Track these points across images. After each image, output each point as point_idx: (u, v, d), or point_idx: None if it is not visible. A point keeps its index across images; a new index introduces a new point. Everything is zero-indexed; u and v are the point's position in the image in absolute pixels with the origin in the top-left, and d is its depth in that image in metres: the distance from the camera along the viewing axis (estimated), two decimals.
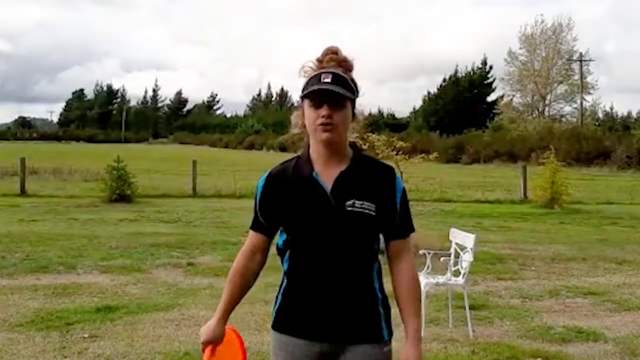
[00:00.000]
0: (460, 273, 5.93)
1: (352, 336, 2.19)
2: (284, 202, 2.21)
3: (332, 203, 2.15)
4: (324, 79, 2.14)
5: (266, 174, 2.30)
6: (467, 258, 5.83)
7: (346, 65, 2.22)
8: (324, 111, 2.13)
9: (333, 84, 2.12)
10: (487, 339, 5.58)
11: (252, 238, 2.34)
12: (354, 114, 2.23)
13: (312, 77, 2.18)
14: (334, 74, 2.15)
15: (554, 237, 11.95)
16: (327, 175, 2.19)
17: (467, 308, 5.77)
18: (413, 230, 2.29)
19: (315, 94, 2.14)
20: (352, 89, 2.19)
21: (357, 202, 2.14)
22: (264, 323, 5.76)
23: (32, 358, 4.84)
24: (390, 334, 2.28)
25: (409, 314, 2.22)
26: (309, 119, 2.18)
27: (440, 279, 5.88)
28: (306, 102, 2.19)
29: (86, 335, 5.39)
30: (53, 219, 13.15)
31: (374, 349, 2.21)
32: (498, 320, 6.21)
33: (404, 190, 2.25)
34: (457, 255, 6.04)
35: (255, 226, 2.33)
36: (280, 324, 2.26)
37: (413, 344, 2.19)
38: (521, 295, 7.25)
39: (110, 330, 5.58)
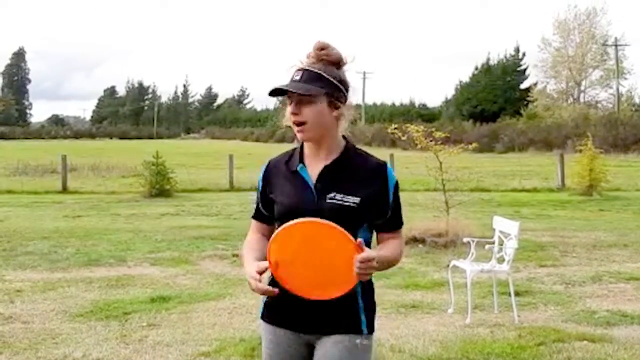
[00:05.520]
0: (503, 260, 6.02)
1: (328, 327, 2.22)
2: (276, 192, 2.30)
3: (314, 196, 2.21)
4: (294, 76, 2.21)
5: (266, 163, 2.38)
6: (511, 245, 5.92)
7: (328, 60, 2.23)
8: (291, 108, 2.21)
9: (300, 81, 2.18)
10: (532, 324, 5.68)
11: (254, 226, 2.43)
12: (337, 106, 2.23)
13: (292, 74, 2.25)
14: (305, 70, 2.20)
15: (594, 224, 11.93)
16: (313, 168, 2.26)
17: (512, 294, 5.88)
18: (402, 225, 2.33)
19: (285, 92, 2.22)
20: (327, 84, 2.20)
21: (338, 195, 2.18)
22: None
23: (96, 346, 5.08)
24: (371, 329, 2.27)
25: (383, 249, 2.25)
26: (287, 115, 2.26)
27: (485, 266, 5.99)
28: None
29: (144, 324, 5.63)
30: (97, 215, 13.51)
31: (345, 338, 2.22)
32: (542, 305, 6.30)
33: (396, 185, 2.27)
34: (500, 243, 6.13)
35: (257, 215, 2.42)
36: (267, 316, 2.33)
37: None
38: (564, 281, 7.31)
39: (167, 319, 5.81)
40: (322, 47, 2.24)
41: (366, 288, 2.26)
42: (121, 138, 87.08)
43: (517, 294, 6.20)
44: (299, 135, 2.23)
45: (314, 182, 2.23)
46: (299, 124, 2.20)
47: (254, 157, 35.33)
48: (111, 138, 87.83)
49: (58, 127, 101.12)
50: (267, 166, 2.37)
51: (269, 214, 2.36)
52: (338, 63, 2.25)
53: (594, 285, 7.14)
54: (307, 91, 2.18)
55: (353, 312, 2.23)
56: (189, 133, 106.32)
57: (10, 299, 6.48)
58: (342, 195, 2.18)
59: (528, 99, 57.16)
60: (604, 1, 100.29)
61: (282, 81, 2.25)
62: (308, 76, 2.19)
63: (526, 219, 12.15)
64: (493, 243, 6.14)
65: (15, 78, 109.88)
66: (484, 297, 6.46)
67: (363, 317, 2.25)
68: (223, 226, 11.58)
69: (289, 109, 2.24)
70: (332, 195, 2.19)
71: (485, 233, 8.23)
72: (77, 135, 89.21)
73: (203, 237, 10.19)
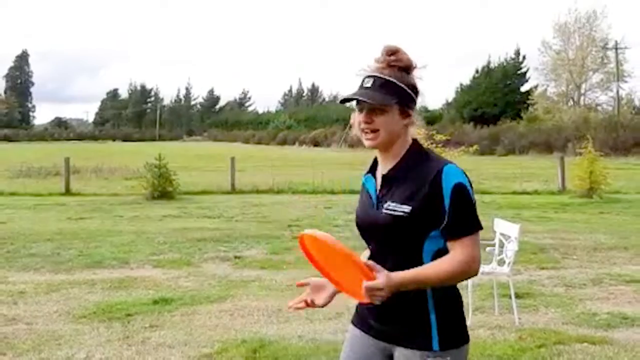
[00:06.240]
0: (504, 262, 6.05)
1: (397, 339, 2.17)
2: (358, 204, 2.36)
3: (374, 206, 2.20)
4: (365, 83, 2.16)
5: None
6: (512, 247, 5.95)
7: (398, 65, 2.17)
8: (362, 117, 2.16)
9: (371, 89, 2.13)
10: (533, 326, 5.71)
11: None
12: (408, 114, 2.18)
13: (361, 80, 2.20)
14: (377, 78, 2.15)
15: (595, 227, 11.95)
16: (380, 176, 2.25)
17: (512, 296, 5.90)
18: (470, 231, 2.09)
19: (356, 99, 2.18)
20: (399, 91, 2.14)
21: (392, 204, 2.13)
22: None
23: (99, 347, 5.12)
24: (445, 345, 2.12)
25: (418, 268, 2.10)
26: (355, 122, 2.22)
27: (486, 268, 6.01)
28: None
29: (147, 325, 5.67)
30: (100, 217, 13.54)
31: (416, 354, 2.12)
32: (543, 307, 6.33)
33: (456, 190, 2.08)
34: (501, 245, 6.16)
35: None
36: (354, 315, 2.35)
37: (388, 275, 2.04)
38: (564, 283, 7.34)
39: (169, 320, 5.85)
40: (392, 52, 2.19)
41: (442, 299, 2.14)
42: (124, 140, 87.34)
43: (517, 296, 6.23)
44: (367, 143, 2.19)
45: (377, 190, 2.22)
46: (371, 131, 2.17)
47: (255, 160, 35.54)
48: (114, 140, 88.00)
49: (61, 129, 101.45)
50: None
51: None
52: (408, 68, 2.18)
53: (594, 288, 7.17)
54: (381, 101, 2.13)
55: (423, 326, 2.12)
56: (191, 135, 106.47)
57: (13, 301, 6.53)
58: (395, 204, 2.12)
59: (528, 101, 57.19)
60: (604, 4, 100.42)
61: (349, 83, 2.23)
62: (380, 84, 2.14)
63: (527, 222, 12.16)
64: (494, 245, 6.17)
65: (19, 81, 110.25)
66: (484, 300, 6.49)
67: (435, 333, 2.12)
68: (225, 228, 11.61)
69: (357, 116, 2.19)
70: (387, 204, 2.14)
71: (486, 235, 8.24)
72: (80, 138, 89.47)
73: (205, 239, 10.23)
